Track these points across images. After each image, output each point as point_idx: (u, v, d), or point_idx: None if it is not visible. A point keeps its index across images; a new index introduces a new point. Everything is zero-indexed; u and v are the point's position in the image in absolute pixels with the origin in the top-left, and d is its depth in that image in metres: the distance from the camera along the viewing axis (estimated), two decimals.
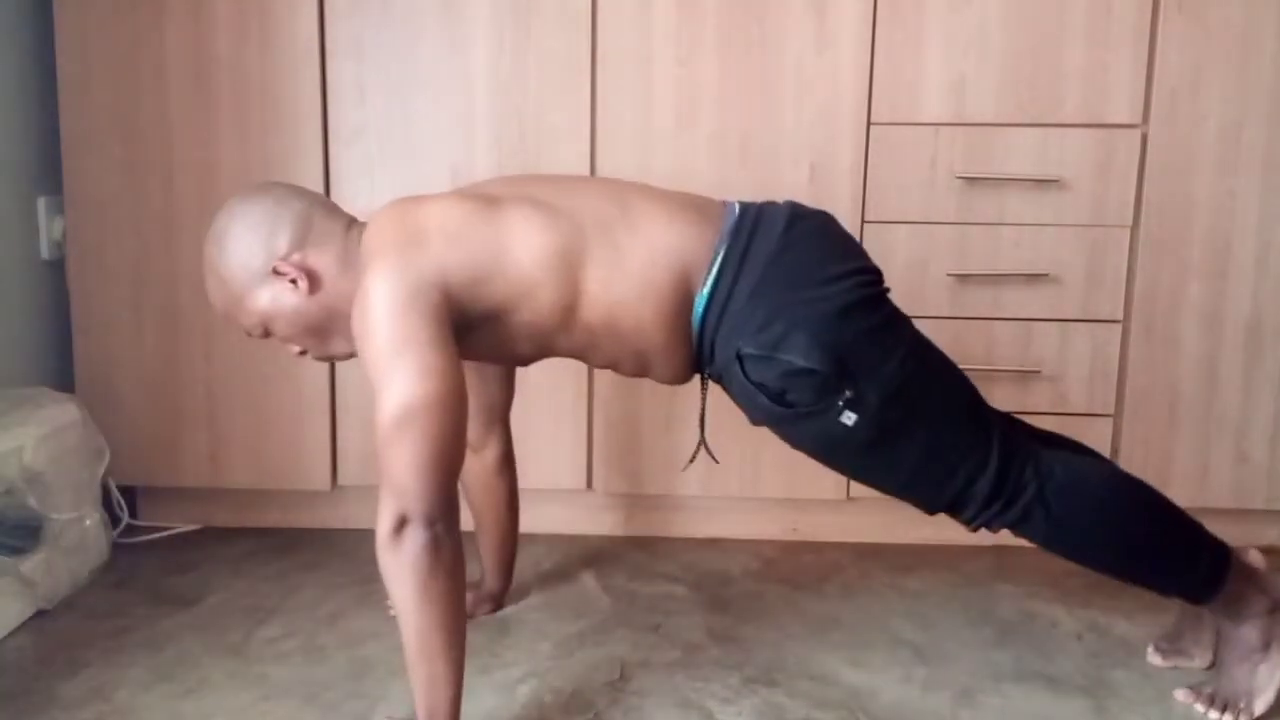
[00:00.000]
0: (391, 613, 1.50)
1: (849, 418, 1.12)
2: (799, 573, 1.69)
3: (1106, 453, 1.75)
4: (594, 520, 1.86)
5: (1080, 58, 1.67)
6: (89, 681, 1.30)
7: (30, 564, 1.47)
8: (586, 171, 1.71)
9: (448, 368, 1.07)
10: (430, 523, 1.05)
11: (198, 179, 1.72)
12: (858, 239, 1.68)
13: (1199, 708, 1.26)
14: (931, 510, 1.21)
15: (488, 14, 1.68)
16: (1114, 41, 1.66)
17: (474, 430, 1.42)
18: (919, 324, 1.66)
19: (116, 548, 1.71)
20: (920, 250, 1.72)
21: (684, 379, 1.25)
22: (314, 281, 1.16)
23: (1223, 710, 1.24)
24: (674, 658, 1.39)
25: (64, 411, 1.56)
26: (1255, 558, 1.28)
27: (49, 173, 1.78)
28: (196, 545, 1.77)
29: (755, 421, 1.20)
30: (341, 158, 1.72)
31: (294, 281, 1.15)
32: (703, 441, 1.33)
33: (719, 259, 1.15)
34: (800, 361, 1.10)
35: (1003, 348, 1.74)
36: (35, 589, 1.48)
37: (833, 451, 1.18)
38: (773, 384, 1.13)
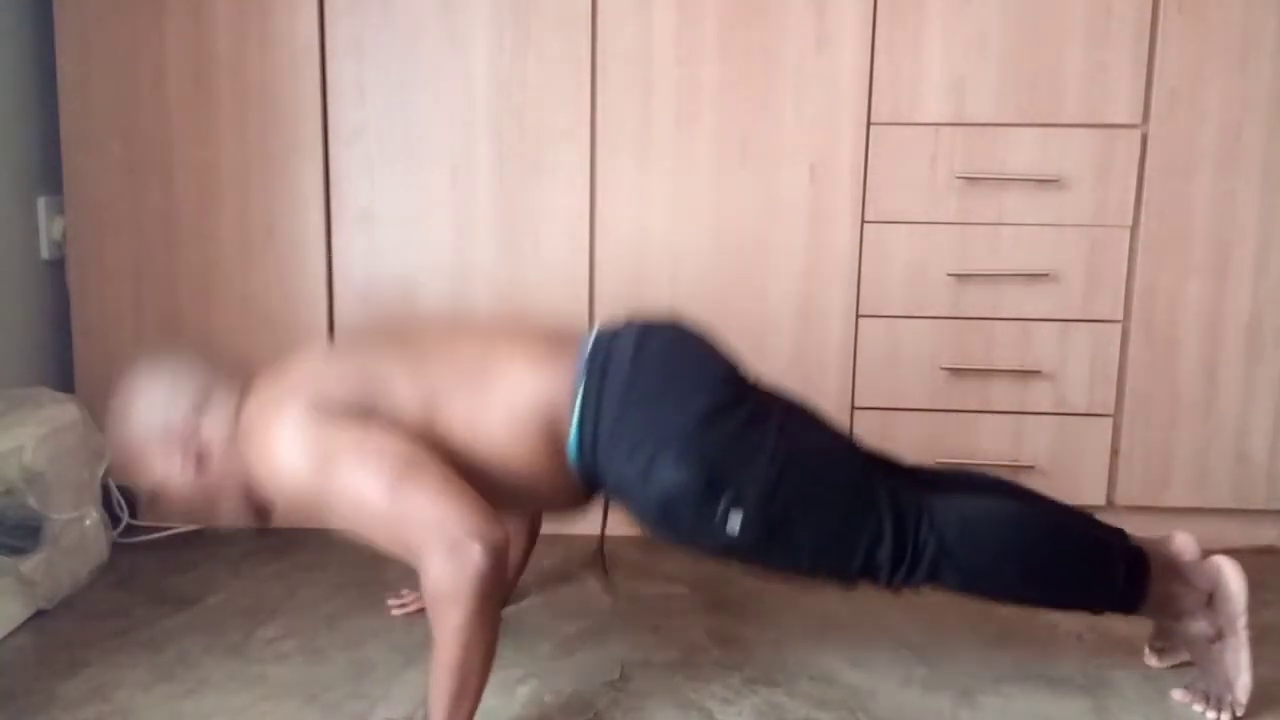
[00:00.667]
0: (394, 613, 1.50)
1: (734, 522, 1.13)
2: None
3: (1105, 454, 1.75)
4: (594, 520, 1.85)
5: (1080, 58, 1.67)
6: (89, 681, 1.30)
7: (30, 564, 1.47)
8: (586, 173, 1.70)
9: (385, 432, 1.09)
10: (483, 534, 1.04)
11: (198, 179, 1.72)
12: (854, 241, 1.70)
13: (1196, 707, 1.26)
14: (846, 585, 1.21)
15: (488, 14, 1.68)
16: (1114, 41, 1.66)
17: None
18: (919, 324, 1.67)
19: (116, 548, 1.71)
20: (920, 250, 1.72)
21: (583, 505, 1.27)
22: (204, 451, 1.19)
23: (1217, 706, 1.24)
24: (674, 658, 1.39)
25: (64, 411, 1.56)
26: (1181, 545, 1.27)
27: (49, 173, 1.78)
28: (196, 545, 1.77)
29: (655, 539, 1.22)
30: (341, 157, 1.72)
31: (185, 449, 1.19)
32: (602, 555, 1.35)
33: (578, 398, 1.16)
34: (671, 478, 1.12)
35: (1002, 348, 1.74)
36: (35, 589, 1.48)
37: (733, 555, 1.19)
38: (656, 506, 1.15)
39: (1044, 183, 1.69)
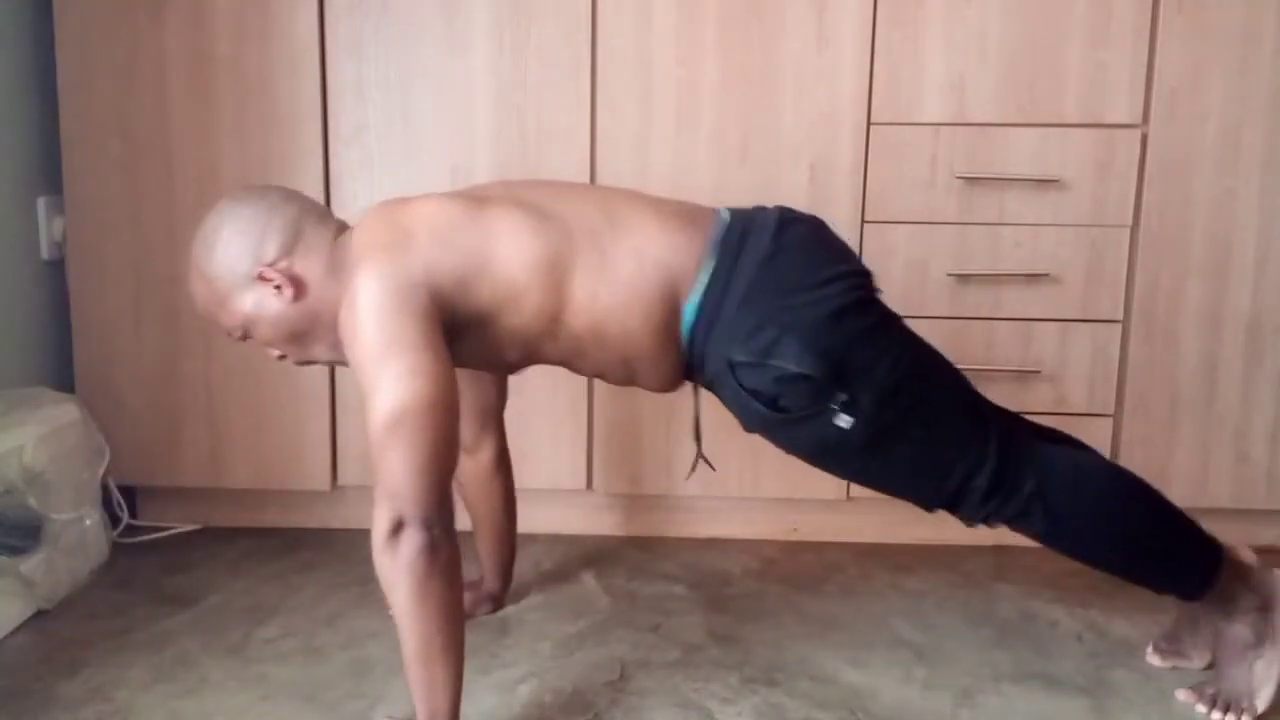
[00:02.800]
0: (391, 613, 1.50)
1: (844, 421, 1.12)
2: (799, 573, 1.69)
3: (1106, 453, 1.75)
4: (594, 520, 1.86)
5: (1080, 58, 1.67)
6: (89, 681, 1.30)
7: (30, 564, 1.47)
8: (586, 173, 1.71)
9: (438, 369, 1.06)
10: (427, 525, 1.05)
11: (198, 178, 1.72)
12: (854, 241, 1.70)
13: (1201, 708, 1.26)
14: (931, 508, 1.21)
15: (488, 13, 1.68)
16: (1114, 41, 1.66)
17: (468, 432, 1.41)
18: (919, 324, 1.66)
19: (116, 547, 1.71)
20: (920, 250, 1.72)
21: (673, 387, 1.25)
22: (299, 289, 1.16)
23: (1225, 710, 1.24)
24: (674, 658, 1.39)
25: (64, 411, 1.56)
26: (1247, 555, 1.28)
27: (49, 173, 1.78)
28: (196, 545, 1.77)
29: (749, 428, 1.20)
30: (341, 157, 1.72)
31: (279, 288, 1.15)
32: (699, 453, 1.33)
33: (708, 268, 1.14)
34: (793, 367, 1.10)
35: (1003, 348, 1.74)
36: (35, 589, 1.48)
37: (829, 455, 1.18)
38: (766, 390, 1.13)
39: (1044, 183, 1.69)
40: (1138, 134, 1.68)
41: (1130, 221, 1.71)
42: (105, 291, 1.75)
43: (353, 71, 1.70)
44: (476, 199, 1.18)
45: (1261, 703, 1.23)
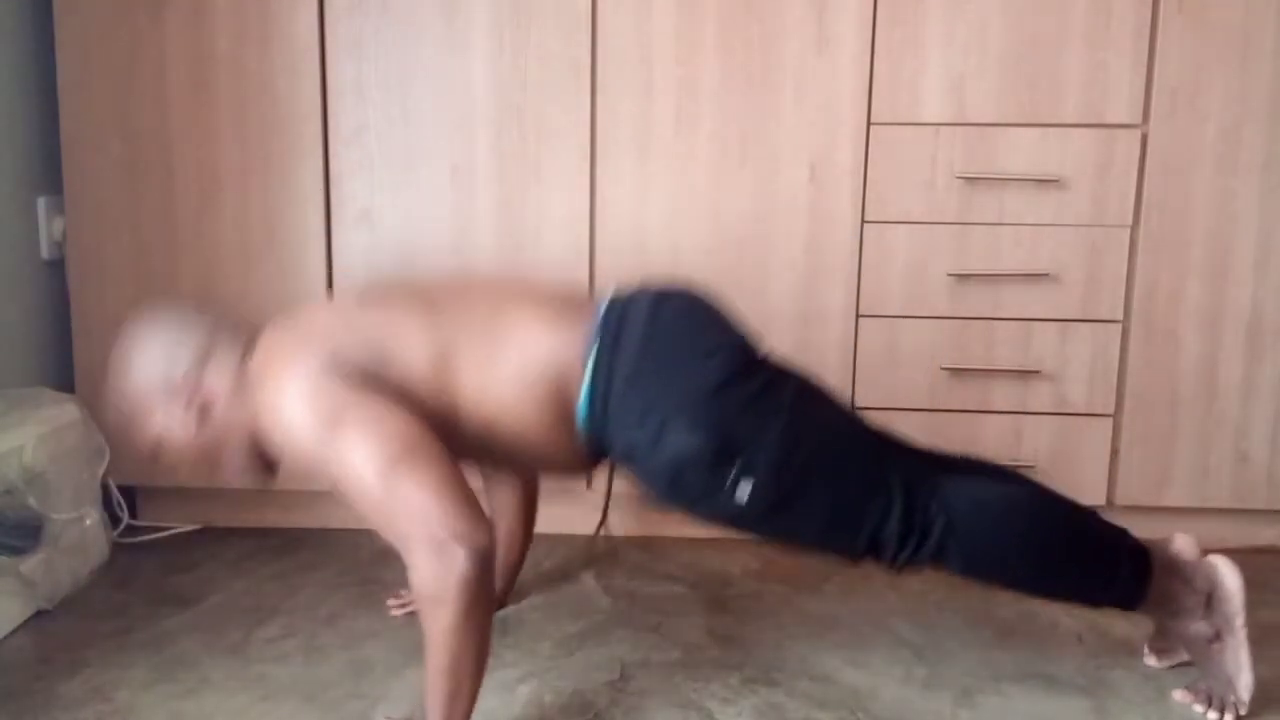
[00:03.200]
0: (394, 613, 1.50)
1: (743, 490, 1.12)
2: (799, 573, 1.69)
3: (1105, 453, 1.75)
4: (594, 520, 1.85)
5: (1080, 58, 1.67)
6: (89, 681, 1.30)
7: (30, 564, 1.47)
8: (586, 174, 1.70)
9: (395, 410, 1.07)
10: (468, 542, 1.02)
11: (198, 178, 1.72)
12: (854, 241, 1.70)
13: (1197, 708, 1.26)
14: (852, 559, 1.21)
15: (488, 13, 1.68)
16: (1114, 41, 1.66)
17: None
18: (919, 324, 1.67)
19: (116, 548, 1.71)
20: (920, 250, 1.72)
21: (586, 471, 1.26)
22: (207, 405, 1.18)
23: (1219, 707, 1.24)
24: (674, 657, 1.39)
25: (64, 411, 1.56)
26: (1181, 545, 1.28)
27: (49, 173, 1.78)
28: (196, 545, 1.77)
29: (660, 507, 1.20)
30: (342, 157, 1.72)
31: (188, 404, 1.17)
32: (602, 522, 1.32)
33: (590, 361, 1.15)
34: (683, 444, 1.11)
35: (1003, 348, 1.74)
36: (35, 589, 1.48)
37: (739, 524, 1.18)
38: (664, 472, 1.14)
39: (1044, 183, 1.69)
40: (1138, 134, 1.68)
41: (1130, 221, 1.70)
42: (105, 291, 1.75)
43: (353, 71, 1.70)
44: (366, 299, 1.21)
45: (1245, 690, 1.22)
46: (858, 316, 1.74)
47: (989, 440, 1.75)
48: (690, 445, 1.11)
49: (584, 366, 1.15)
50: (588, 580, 1.65)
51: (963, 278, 1.72)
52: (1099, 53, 1.66)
